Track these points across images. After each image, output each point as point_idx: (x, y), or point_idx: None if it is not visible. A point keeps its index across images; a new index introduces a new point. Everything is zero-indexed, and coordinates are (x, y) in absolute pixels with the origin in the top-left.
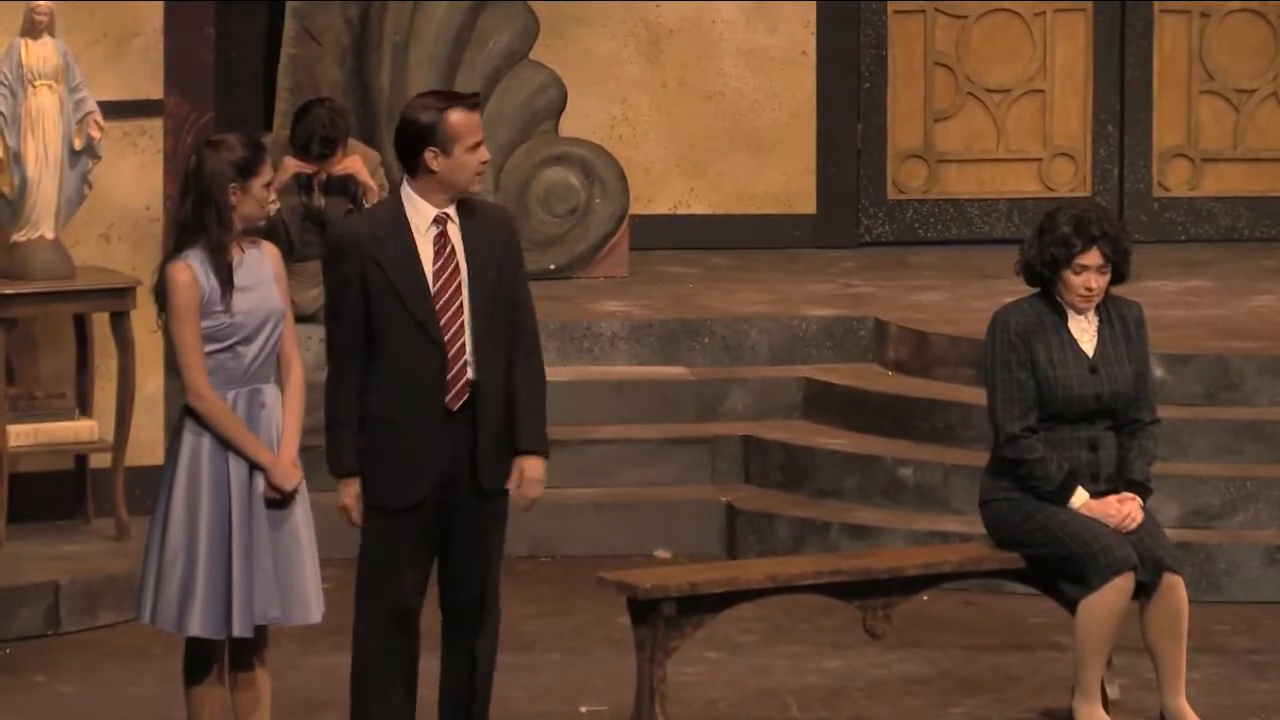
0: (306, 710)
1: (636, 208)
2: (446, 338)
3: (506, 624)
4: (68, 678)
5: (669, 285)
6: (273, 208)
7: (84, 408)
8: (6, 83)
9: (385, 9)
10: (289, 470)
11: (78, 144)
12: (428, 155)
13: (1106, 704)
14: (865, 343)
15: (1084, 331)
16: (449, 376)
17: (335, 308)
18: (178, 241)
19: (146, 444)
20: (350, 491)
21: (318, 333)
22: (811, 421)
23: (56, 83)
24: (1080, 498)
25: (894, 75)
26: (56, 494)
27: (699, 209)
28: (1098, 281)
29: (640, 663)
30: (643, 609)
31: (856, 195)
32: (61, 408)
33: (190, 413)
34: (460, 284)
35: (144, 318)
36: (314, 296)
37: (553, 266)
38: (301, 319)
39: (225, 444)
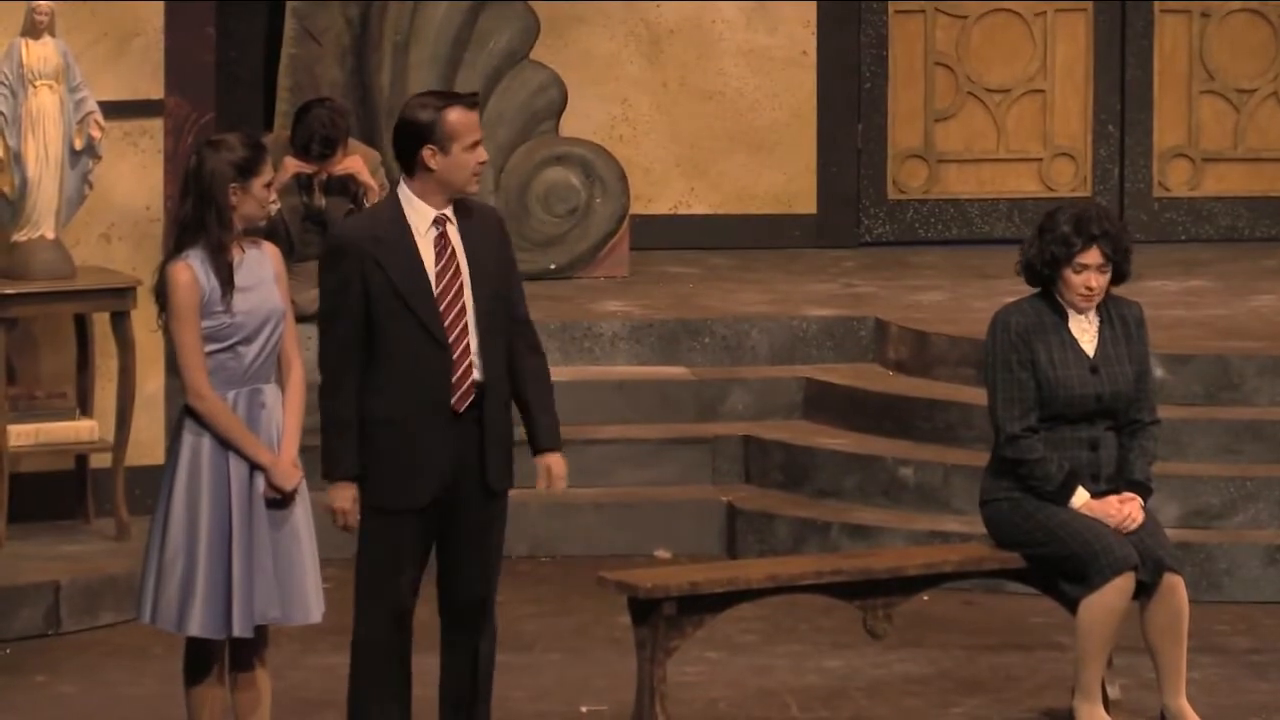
0: (306, 710)
1: (637, 208)
2: (451, 339)
3: (507, 624)
4: (68, 678)
5: (669, 285)
6: (273, 208)
7: (84, 408)
8: (7, 83)
9: (385, 9)
10: (289, 470)
11: (78, 144)
12: (425, 153)
13: (1107, 704)
14: (865, 343)
15: (1084, 331)
16: (455, 378)
17: (334, 309)
18: (178, 241)
19: (147, 444)
20: (347, 495)
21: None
22: (812, 421)
23: (57, 83)
24: (1081, 497)
25: (894, 75)
26: (57, 494)
27: (699, 209)
28: (1098, 280)
29: (640, 662)
30: (643, 609)
31: (857, 195)
32: (62, 408)
33: (190, 413)
34: (462, 285)
35: (144, 318)
36: (314, 297)
37: (553, 266)
38: (302, 319)
39: (225, 444)
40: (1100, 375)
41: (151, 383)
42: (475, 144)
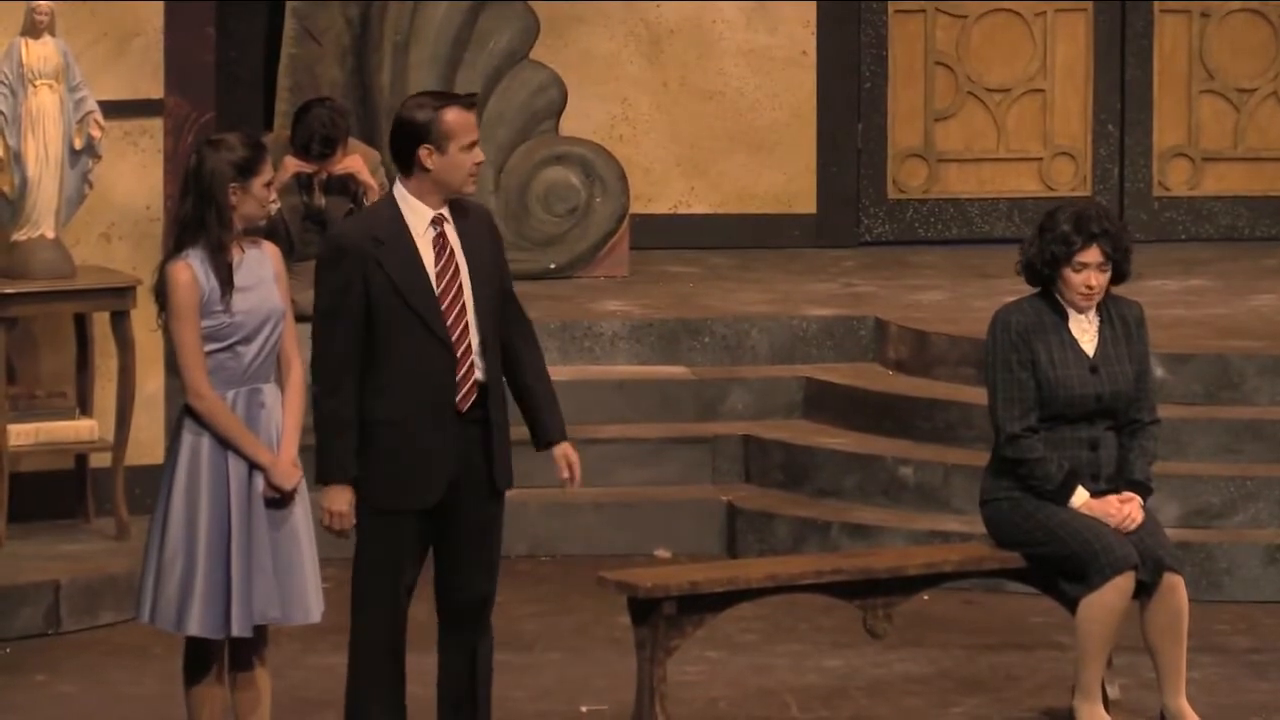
0: (306, 710)
1: (637, 207)
2: (454, 338)
3: (507, 624)
4: (68, 677)
5: (669, 285)
6: (273, 207)
7: (84, 407)
8: (7, 82)
9: (385, 9)
10: (289, 470)
11: (78, 143)
12: (423, 153)
13: (1107, 704)
14: (865, 342)
15: (1085, 331)
16: (458, 377)
17: (334, 309)
18: (178, 241)
19: (146, 444)
20: (345, 498)
21: None
22: (812, 421)
23: (57, 82)
24: (1080, 497)
25: (894, 75)
26: (56, 494)
27: (699, 209)
28: (1098, 279)
29: (640, 662)
30: (643, 608)
31: (857, 195)
32: (62, 407)
33: (190, 412)
34: (462, 284)
35: (144, 317)
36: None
37: (553, 266)
38: (301, 319)
39: (225, 444)
40: (1100, 375)
41: (151, 382)
42: (472, 144)
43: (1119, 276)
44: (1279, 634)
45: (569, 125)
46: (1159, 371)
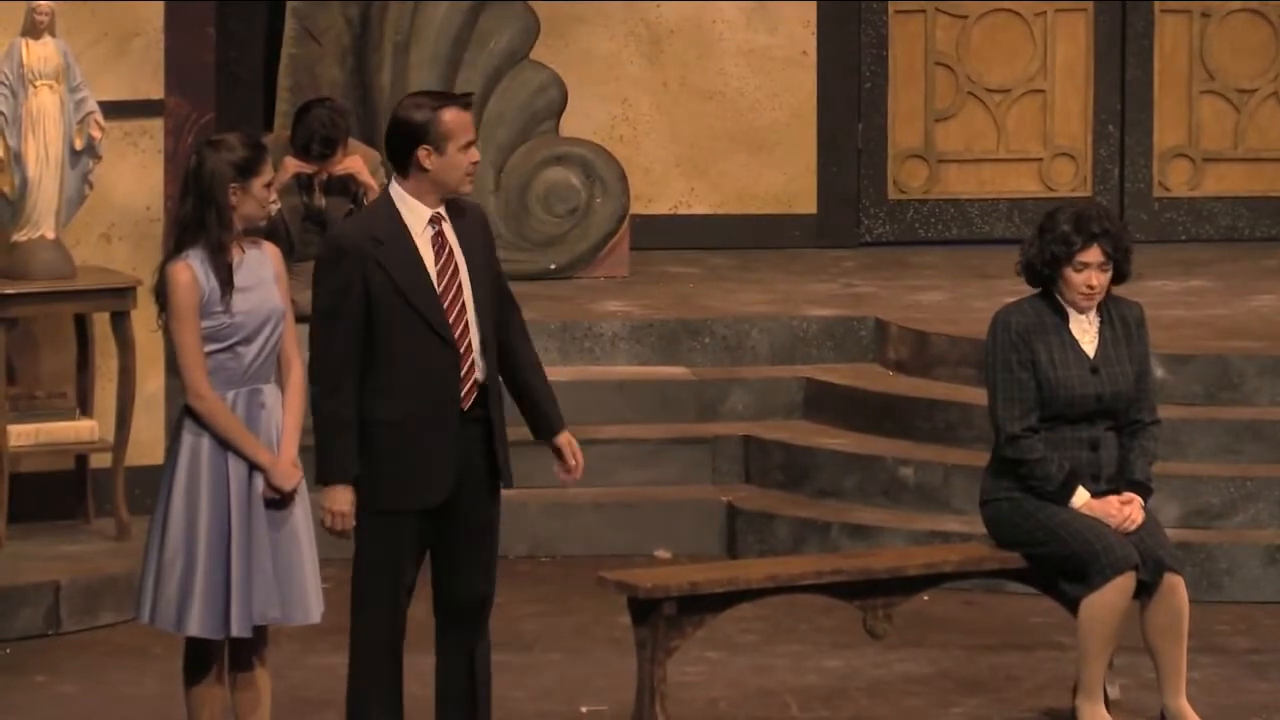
0: (306, 710)
1: (637, 208)
2: (456, 337)
3: (507, 624)
4: (68, 678)
5: (669, 285)
6: (273, 208)
7: (84, 408)
8: (7, 83)
9: (386, 9)
10: (289, 470)
11: (78, 144)
12: (420, 153)
13: (1107, 704)
14: (865, 343)
15: (1085, 332)
16: (460, 376)
17: (335, 309)
18: (178, 241)
19: (147, 444)
20: (346, 498)
21: None
22: (812, 421)
23: (57, 83)
24: (1081, 497)
25: (894, 75)
26: (57, 494)
27: (699, 209)
28: (1098, 279)
29: (640, 662)
30: (643, 609)
31: (857, 195)
32: (62, 408)
33: (190, 413)
34: (462, 283)
35: (144, 318)
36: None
37: (553, 266)
38: (302, 319)
39: (225, 444)
40: (1100, 375)
41: (151, 383)
42: (469, 144)
43: (1119, 277)
44: (1279, 634)
45: (569, 125)
46: (1159, 372)
